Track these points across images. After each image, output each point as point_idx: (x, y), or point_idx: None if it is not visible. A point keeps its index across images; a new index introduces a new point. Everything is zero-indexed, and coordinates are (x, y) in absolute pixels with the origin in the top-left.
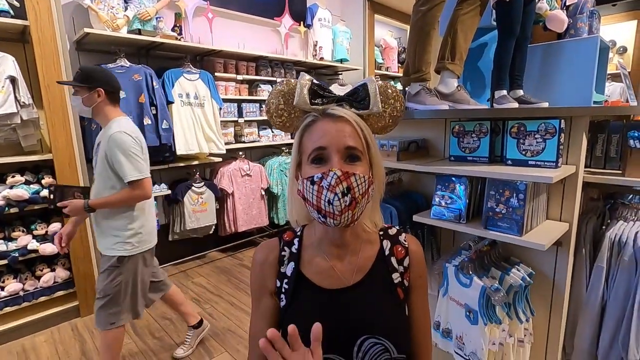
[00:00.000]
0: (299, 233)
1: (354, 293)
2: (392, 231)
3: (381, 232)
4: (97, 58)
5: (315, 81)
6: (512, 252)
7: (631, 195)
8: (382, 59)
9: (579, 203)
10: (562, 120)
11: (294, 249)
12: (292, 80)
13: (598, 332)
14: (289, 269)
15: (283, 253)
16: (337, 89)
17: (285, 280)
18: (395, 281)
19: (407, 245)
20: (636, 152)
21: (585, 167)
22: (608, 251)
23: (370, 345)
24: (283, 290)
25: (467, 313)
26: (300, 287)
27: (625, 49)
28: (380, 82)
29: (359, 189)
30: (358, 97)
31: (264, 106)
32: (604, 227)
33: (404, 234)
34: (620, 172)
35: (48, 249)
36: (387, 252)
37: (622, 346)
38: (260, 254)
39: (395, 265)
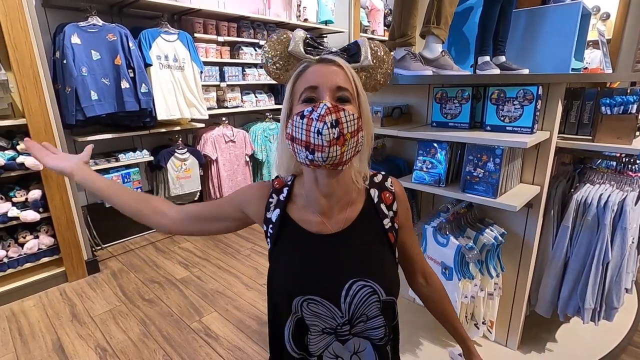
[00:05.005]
0: (289, 182)
1: (343, 237)
2: (378, 178)
3: (367, 182)
4: (66, 15)
5: (309, 35)
6: (487, 213)
7: (599, 160)
8: (368, 22)
9: (551, 167)
10: (540, 87)
11: (281, 197)
12: (289, 32)
13: (560, 285)
14: (274, 215)
15: (270, 200)
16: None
17: (270, 226)
18: (387, 227)
19: (393, 190)
20: (606, 119)
21: (559, 133)
22: (574, 212)
23: (359, 288)
24: (268, 234)
25: (443, 270)
26: (285, 229)
27: (608, 15)
28: (371, 41)
29: (348, 126)
30: (350, 52)
31: (259, 54)
32: (572, 190)
33: (389, 179)
34: (590, 138)
35: (29, 216)
36: (375, 200)
37: (580, 297)
38: (255, 187)
39: (385, 211)
